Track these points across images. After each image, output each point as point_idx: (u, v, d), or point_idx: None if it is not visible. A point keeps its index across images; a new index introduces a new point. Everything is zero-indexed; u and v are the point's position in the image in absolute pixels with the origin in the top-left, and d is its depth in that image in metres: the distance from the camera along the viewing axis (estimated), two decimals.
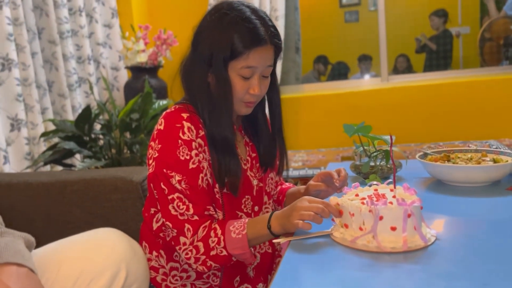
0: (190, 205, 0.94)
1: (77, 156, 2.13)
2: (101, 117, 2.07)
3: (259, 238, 0.93)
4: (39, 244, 0.91)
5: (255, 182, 1.07)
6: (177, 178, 0.95)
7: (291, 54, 3.12)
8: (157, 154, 0.97)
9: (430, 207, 0.95)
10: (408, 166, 1.29)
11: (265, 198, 1.11)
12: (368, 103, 2.71)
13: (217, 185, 1.00)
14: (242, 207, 1.06)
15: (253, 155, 1.10)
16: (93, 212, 1.37)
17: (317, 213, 0.84)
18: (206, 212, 0.96)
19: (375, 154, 1.18)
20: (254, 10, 0.99)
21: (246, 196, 1.06)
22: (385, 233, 0.75)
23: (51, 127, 2.12)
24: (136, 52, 2.53)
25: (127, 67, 2.61)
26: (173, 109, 1.00)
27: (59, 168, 2.10)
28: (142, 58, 2.52)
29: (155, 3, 2.91)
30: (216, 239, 0.92)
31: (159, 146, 0.97)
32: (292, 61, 3.14)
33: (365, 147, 1.21)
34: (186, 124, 0.98)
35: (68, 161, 2.06)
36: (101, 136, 1.99)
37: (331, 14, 5.51)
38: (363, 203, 0.78)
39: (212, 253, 0.92)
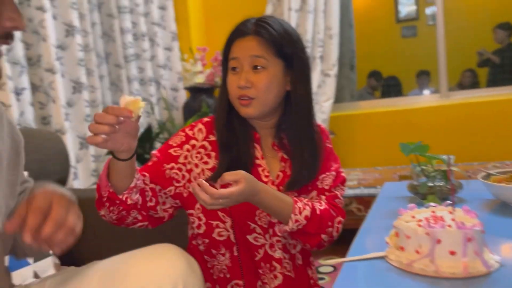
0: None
1: None
2: (161, 135, 2.17)
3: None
4: (103, 256, 0.96)
5: None
6: (153, 152, 1.03)
7: (346, 71, 3.10)
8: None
9: (494, 231, 0.90)
10: (470, 186, 1.23)
11: None
12: (426, 120, 2.63)
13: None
14: (256, 219, 1.02)
15: (289, 172, 1.06)
16: (159, 227, 1.43)
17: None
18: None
19: (433, 174, 1.15)
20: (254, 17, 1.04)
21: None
22: (443, 257, 0.72)
23: None
24: (194, 74, 2.64)
25: (185, 88, 2.73)
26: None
27: None
28: (200, 79, 2.63)
29: (213, 27, 3.02)
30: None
31: None
32: (346, 78, 3.12)
33: (423, 167, 1.18)
34: (200, 126, 1.04)
35: None
36: None
37: (387, 29, 5.42)
38: (419, 225, 0.76)
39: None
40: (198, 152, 1.03)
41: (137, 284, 0.77)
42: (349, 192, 2.22)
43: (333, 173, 1.11)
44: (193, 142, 1.02)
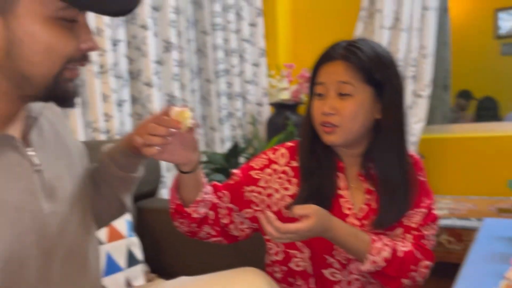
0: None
1: None
2: (246, 151, 2.21)
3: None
4: (187, 267, 0.99)
5: None
6: (234, 171, 1.04)
7: (439, 91, 2.93)
8: None
9: None
10: None
11: None
12: None
13: None
14: (334, 253, 0.97)
15: (375, 206, 0.99)
16: (235, 245, 1.44)
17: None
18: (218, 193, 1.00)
19: None
20: (344, 40, 1.01)
21: None
22: None
23: (203, 157, 2.32)
24: (280, 90, 2.66)
25: (270, 103, 2.76)
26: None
27: None
28: (285, 96, 2.64)
29: (300, 44, 3.03)
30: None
31: None
32: (439, 99, 2.95)
33: None
34: (282, 150, 1.02)
35: None
36: None
37: (485, 46, 5.05)
38: None
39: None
40: (280, 177, 1.01)
41: None
42: (439, 222, 2.07)
43: (424, 210, 1.02)
44: (275, 166, 1.01)
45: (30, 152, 0.72)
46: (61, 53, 0.66)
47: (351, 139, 0.97)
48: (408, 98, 2.45)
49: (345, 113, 0.94)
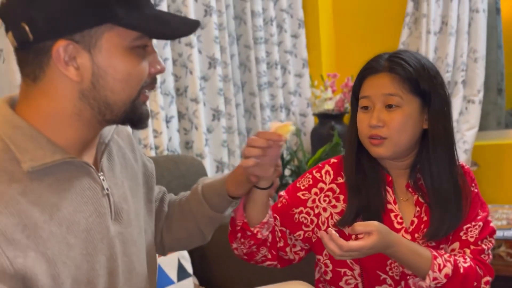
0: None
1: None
2: (291, 163, 2.21)
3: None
4: (235, 281, 1.01)
5: None
6: (281, 193, 1.02)
7: (492, 95, 2.80)
8: None
9: None
10: None
11: None
12: None
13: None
14: (387, 269, 0.96)
15: (425, 218, 0.98)
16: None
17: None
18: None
19: None
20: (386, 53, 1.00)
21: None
22: None
23: None
24: (324, 100, 2.64)
25: (314, 114, 2.74)
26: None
27: None
28: (329, 106, 2.62)
29: (343, 52, 3.00)
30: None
31: None
32: (493, 103, 2.81)
33: None
34: (327, 167, 1.02)
35: None
36: (290, 181, 2.12)
37: None
38: None
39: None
40: (326, 196, 1.01)
41: None
42: (497, 233, 1.97)
43: (480, 223, 1.00)
44: (320, 185, 1.01)
45: (101, 177, 0.76)
46: (138, 79, 0.71)
47: (399, 151, 0.96)
48: (459, 103, 2.36)
49: (393, 125, 0.93)
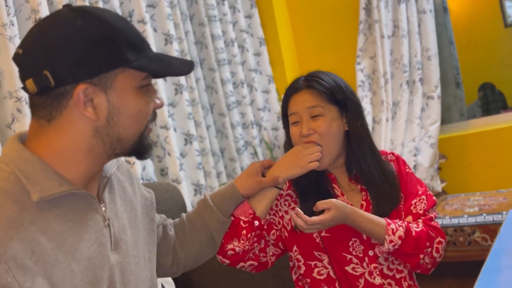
0: None
1: None
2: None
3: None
4: None
5: None
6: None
7: (451, 89, 2.93)
8: None
9: None
10: None
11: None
12: None
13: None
14: (350, 249, 1.08)
15: (372, 201, 1.13)
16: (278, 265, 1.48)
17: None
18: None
19: None
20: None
21: (354, 239, 1.08)
22: None
23: None
24: None
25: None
26: None
27: None
28: None
29: (306, 64, 3.09)
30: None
31: None
32: (453, 96, 2.94)
33: None
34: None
35: None
36: None
37: (496, 37, 5.00)
38: None
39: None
40: (286, 200, 1.16)
41: None
42: (470, 220, 2.05)
43: (423, 196, 1.15)
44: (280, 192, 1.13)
45: (103, 209, 0.81)
46: (146, 114, 0.80)
47: (334, 156, 1.13)
48: (420, 101, 2.46)
49: (321, 130, 1.09)
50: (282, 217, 1.15)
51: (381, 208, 1.10)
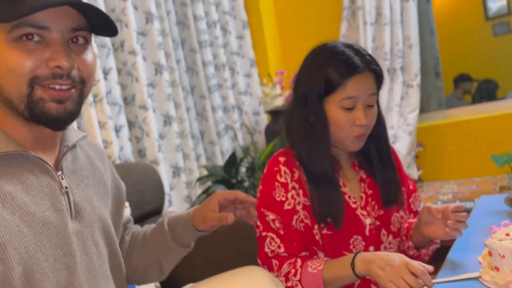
0: (282, 244, 0.98)
1: None
2: (245, 160, 2.25)
3: (340, 279, 0.89)
4: (195, 279, 1.04)
5: (368, 221, 1.04)
6: (272, 217, 1.00)
7: (431, 79, 2.96)
8: (258, 194, 1.04)
9: None
10: None
11: (389, 238, 1.07)
12: None
13: (315, 226, 1.00)
14: (351, 247, 1.02)
15: (370, 192, 1.07)
16: (243, 249, 1.48)
17: (410, 285, 0.78)
18: (299, 254, 0.97)
19: None
20: (348, 45, 1.00)
21: (355, 236, 1.02)
22: None
23: (205, 172, 2.37)
24: (274, 97, 2.70)
25: (266, 111, 2.81)
26: (275, 154, 1.06)
27: None
28: (279, 102, 2.69)
29: (289, 49, 3.08)
30: (294, 270, 0.93)
31: (261, 187, 1.05)
32: (432, 86, 2.97)
33: None
34: (283, 168, 1.03)
35: None
36: (246, 178, 2.16)
37: (477, 29, 5.06)
38: None
39: (288, 284, 0.93)
40: (293, 188, 1.05)
41: None
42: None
43: (416, 193, 1.17)
44: (289, 186, 1.02)
45: (60, 176, 0.79)
46: (19, 71, 0.71)
47: None
48: (400, 89, 2.48)
49: (371, 122, 1.01)
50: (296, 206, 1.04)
51: (389, 192, 1.05)
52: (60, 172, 0.80)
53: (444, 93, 3.17)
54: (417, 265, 0.80)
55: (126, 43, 2.09)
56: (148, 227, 1.05)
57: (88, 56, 0.77)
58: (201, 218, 0.94)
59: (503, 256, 0.72)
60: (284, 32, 3.07)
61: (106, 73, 1.99)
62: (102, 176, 0.91)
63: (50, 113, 0.73)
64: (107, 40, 2.01)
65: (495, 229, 0.81)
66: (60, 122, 0.75)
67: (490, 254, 0.76)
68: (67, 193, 0.78)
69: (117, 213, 0.95)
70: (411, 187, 1.14)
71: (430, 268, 0.80)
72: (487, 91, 4.59)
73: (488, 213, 1.18)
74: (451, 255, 0.92)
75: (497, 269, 0.74)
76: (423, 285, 0.79)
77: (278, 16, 3.08)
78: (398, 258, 0.83)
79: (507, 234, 0.77)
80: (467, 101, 4.43)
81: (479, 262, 0.80)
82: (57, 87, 0.73)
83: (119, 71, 2.11)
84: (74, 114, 0.76)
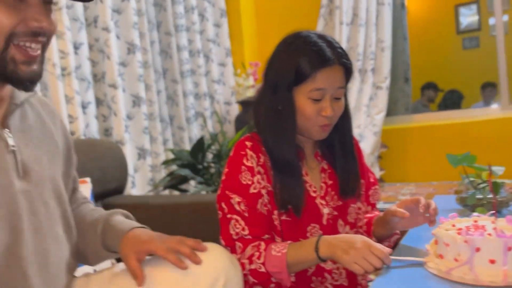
0: (246, 227, 0.98)
1: (192, 182, 2.33)
2: (213, 147, 2.25)
3: (304, 262, 0.92)
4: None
5: (326, 210, 1.06)
6: (237, 199, 1.00)
7: (400, 84, 3.05)
8: (224, 177, 1.05)
9: None
10: None
11: (346, 228, 1.09)
12: (484, 134, 2.51)
13: (275, 212, 1.01)
14: (308, 235, 1.04)
15: (330, 182, 1.09)
16: (202, 232, 1.49)
17: (373, 265, 0.82)
18: (262, 237, 0.99)
19: (482, 185, 1.11)
20: (321, 35, 1.01)
21: (313, 225, 1.04)
22: (483, 265, 0.71)
23: (171, 156, 2.36)
24: (246, 88, 2.72)
25: (238, 102, 2.81)
26: (242, 138, 1.06)
27: (176, 192, 2.32)
28: (251, 93, 2.70)
29: (265, 42, 3.10)
30: (257, 253, 0.94)
31: (226, 170, 1.05)
32: (401, 91, 3.06)
33: (472, 179, 1.15)
34: (249, 152, 1.03)
35: (183, 186, 2.27)
36: (212, 165, 2.17)
37: (448, 41, 5.24)
38: (459, 233, 0.75)
39: (252, 267, 0.94)
40: (259, 173, 1.04)
41: (179, 274, 0.83)
42: None
43: (376, 186, 1.18)
44: (255, 171, 1.03)
45: (6, 134, 0.76)
46: (1, 29, 0.69)
47: None
48: (369, 90, 2.54)
49: (337, 114, 1.03)
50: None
51: (347, 182, 1.08)
52: (7, 130, 0.78)
53: (411, 98, 3.27)
54: (379, 246, 0.85)
55: (99, 19, 2.04)
56: (92, 214, 0.99)
57: (53, 17, 0.76)
58: (122, 251, 0.88)
59: (448, 245, 0.76)
60: (261, 24, 3.08)
61: (76, 47, 1.94)
62: (53, 136, 0.88)
63: (22, 75, 0.73)
64: (79, 14, 1.96)
65: (443, 220, 0.85)
66: (32, 83, 0.75)
67: (436, 242, 0.80)
68: (14, 151, 0.77)
69: (66, 175, 0.92)
70: (371, 180, 1.17)
71: (389, 250, 0.84)
72: (451, 100, 4.76)
73: (440, 210, 1.23)
74: (403, 242, 0.96)
75: (441, 257, 0.78)
76: (384, 265, 0.83)
77: (257, 7, 3.09)
78: (360, 240, 0.87)
79: (453, 225, 0.81)
80: (432, 109, 4.58)
81: (427, 250, 0.84)
82: (33, 45, 0.73)
83: (90, 47, 2.06)
84: (41, 74, 0.76)
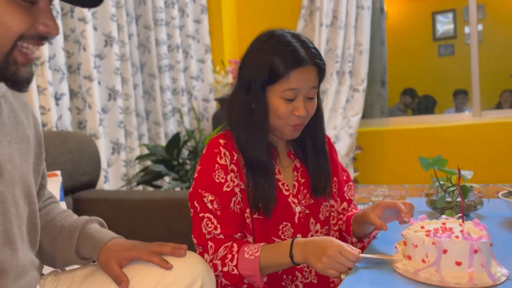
0: (218, 226, 0.98)
1: (166, 178, 2.31)
2: (189, 143, 2.24)
3: (277, 266, 0.93)
4: None
5: (298, 209, 1.06)
6: (210, 198, 1.00)
7: (377, 87, 3.10)
8: (196, 175, 1.04)
9: (509, 247, 0.90)
10: (492, 205, 1.21)
11: (317, 226, 1.09)
12: (456, 139, 2.58)
13: (247, 210, 1.02)
14: (280, 233, 1.04)
15: (302, 180, 1.09)
16: (175, 229, 1.48)
17: (346, 267, 0.84)
18: (234, 235, 0.99)
19: (451, 189, 1.14)
20: (295, 35, 1.01)
21: (285, 223, 1.05)
22: (449, 267, 0.72)
23: (146, 151, 2.33)
24: (225, 85, 2.70)
25: (216, 99, 2.80)
26: (215, 136, 1.06)
27: (150, 188, 2.29)
28: (229, 91, 2.69)
29: (245, 40, 3.09)
30: (230, 256, 0.94)
31: (199, 168, 1.04)
32: (377, 94, 3.11)
33: (442, 182, 1.17)
34: (223, 150, 1.03)
35: (158, 182, 2.24)
36: (188, 161, 2.15)
37: (424, 47, 5.35)
38: (427, 235, 0.77)
39: (225, 269, 0.94)
40: (232, 171, 1.04)
41: (158, 275, 0.83)
42: None
43: (350, 183, 1.19)
44: (229, 169, 1.03)
45: None
46: (12, 31, 0.68)
47: None
48: (346, 92, 2.57)
49: (310, 114, 1.03)
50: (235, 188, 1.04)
51: (319, 180, 1.08)
52: None
53: (387, 102, 3.33)
54: (348, 249, 0.86)
55: (76, 9, 2.00)
56: (62, 216, 0.96)
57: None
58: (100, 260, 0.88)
59: (416, 246, 0.77)
60: (242, 22, 3.08)
61: None
62: (25, 131, 0.86)
63: (22, 77, 0.71)
64: (55, 2, 1.91)
65: (412, 222, 0.87)
66: (28, 84, 0.73)
67: (405, 243, 0.81)
68: None
69: (36, 171, 0.89)
70: (345, 177, 1.18)
71: (359, 250, 0.85)
72: (425, 105, 4.87)
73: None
74: (370, 245, 0.97)
75: (409, 258, 0.79)
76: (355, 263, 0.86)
77: (238, 5, 3.08)
78: (330, 244, 0.87)
79: (422, 227, 0.83)
80: (408, 115, 4.67)
81: (395, 247, 0.85)
82: (35, 48, 0.71)
83: (65, 37, 2.01)
84: (33, 74, 0.75)
